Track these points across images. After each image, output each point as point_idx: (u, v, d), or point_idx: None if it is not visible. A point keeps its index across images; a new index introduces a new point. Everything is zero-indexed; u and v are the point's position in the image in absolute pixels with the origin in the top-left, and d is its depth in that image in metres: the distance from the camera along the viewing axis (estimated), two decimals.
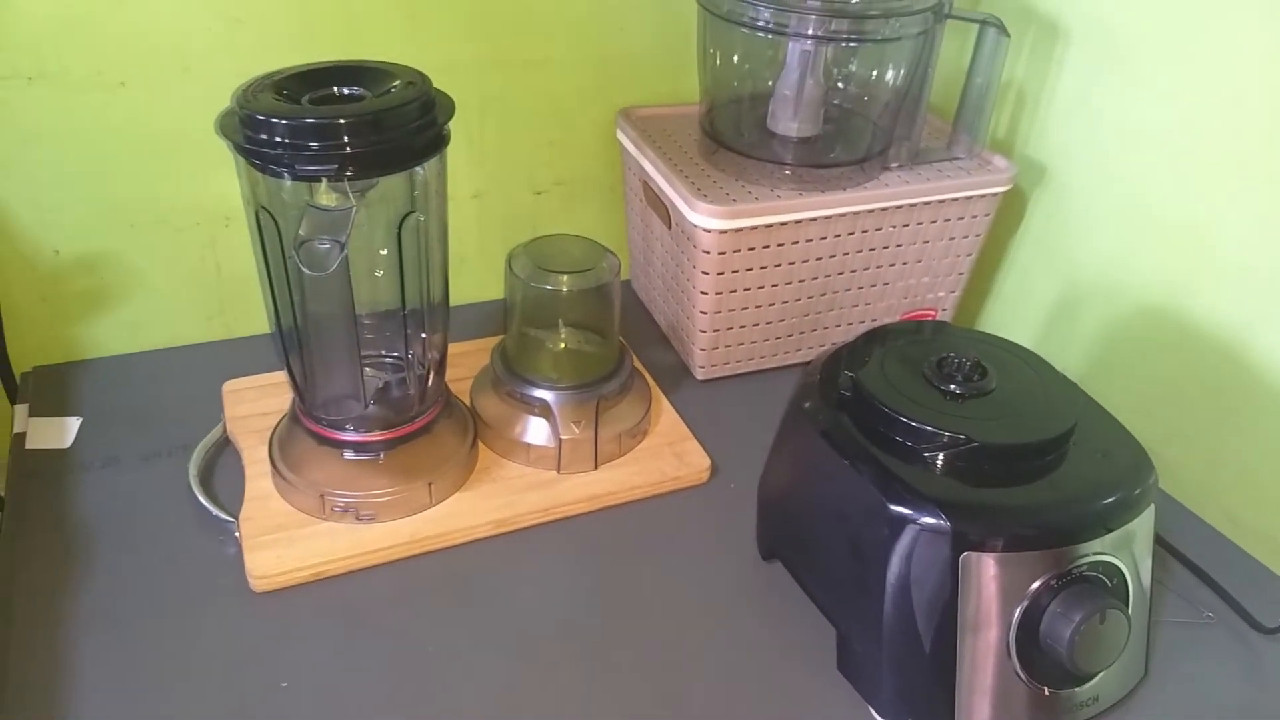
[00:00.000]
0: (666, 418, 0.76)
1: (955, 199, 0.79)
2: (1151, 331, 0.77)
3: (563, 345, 0.73)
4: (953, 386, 0.57)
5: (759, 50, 0.79)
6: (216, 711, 0.54)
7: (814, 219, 0.75)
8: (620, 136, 0.86)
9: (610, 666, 0.58)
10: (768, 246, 0.75)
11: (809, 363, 0.64)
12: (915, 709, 0.55)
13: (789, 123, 0.78)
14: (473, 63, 0.80)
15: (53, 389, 0.76)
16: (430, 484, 0.66)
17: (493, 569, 0.64)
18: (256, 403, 0.73)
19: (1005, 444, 0.54)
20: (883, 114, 0.80)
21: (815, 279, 0.79)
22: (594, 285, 0.70)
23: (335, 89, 0.58)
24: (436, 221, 0.62)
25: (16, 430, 0.72)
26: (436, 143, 0.58)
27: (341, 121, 0.53)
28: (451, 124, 0.58)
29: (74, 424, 0.72)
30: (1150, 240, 0.77)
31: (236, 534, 0.63)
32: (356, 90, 0.58)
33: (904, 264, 0.82)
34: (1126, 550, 0.54)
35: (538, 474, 0.70)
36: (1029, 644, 0.52)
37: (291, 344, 0.62)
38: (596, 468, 0.71)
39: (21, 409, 0.74)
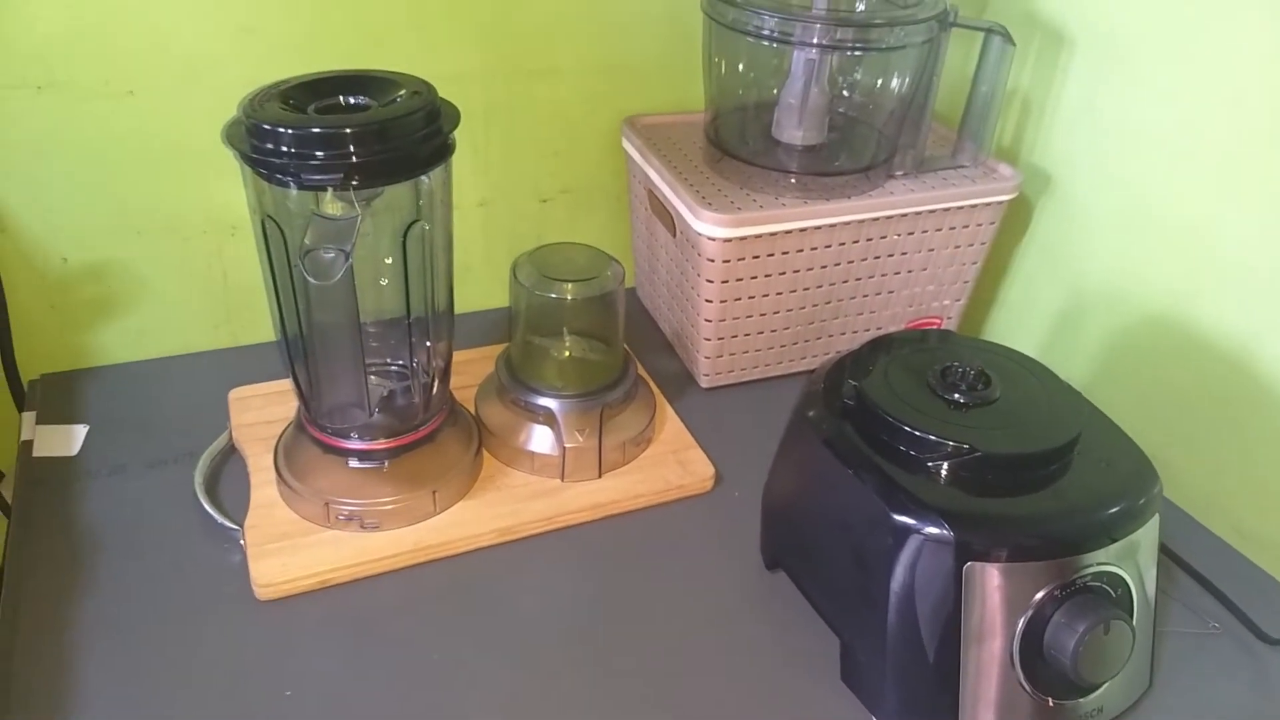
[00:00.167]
0: (671, 426, 0.76)
1: (960, 207, 0.79)
2: (1157, 340, 0.77)
3: (567, 353, 0.73)
4: (957, 396, 0.57)
5: (764, 59, 0.79)
6: (220, 719, 0.54)
7: (819, 227, 0.75)
8: (625, 145, 0.86)
9: (614, 675, 0.58)
10: (772, 255, 0.75)
11: (813, 371, 0.64)
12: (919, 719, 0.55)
13: (794, 131, 0.79)
14: (479, 72, 0.81)
15: (60, 396, 0.76)
16: (434, 492, 0.66)
17: (497, 577, 0.64)
18: (262, 410, 0.73)
19: (1009, 453, 0.54)
20: (888, 122, 0.80)
21: (820, 287, 0.79)
22: (598, 294, 0.70)
23: (341, 98, 0.58)
24: (441, 230, 0.62)
25: (24, 438, 0.72)
26: (442, 152, 0.58)
27: (347, 131, 0.53)
28: (457, 133, 0.59)
29: (81, 431, 0.73)
30: (1155, 248, 0.76)
31: (241, 542, 0.63)
32: (362, 100, 0.58)
33: (909, 272, 0.82)
34: (1131, 560, 0.54)
35: (542, 482, 0.70)
36: (1033, 654, 0.52)
37: (297, 352, 0.62)
38: (600, 476, 0.71)
39: (29, 416, 0.74)
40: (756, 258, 0.75)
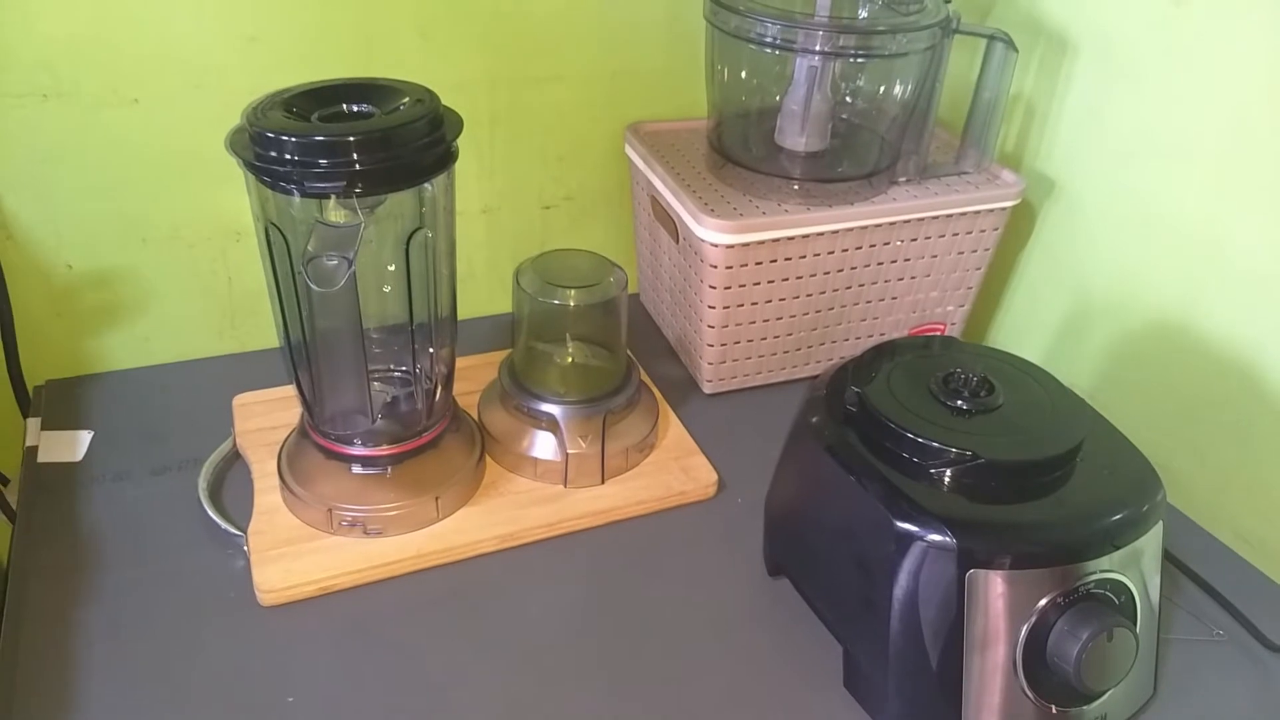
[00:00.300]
0: (674, 432, 0.76)
1: (963, 213, 0.79)
2: (1161, 346, 0.77)
3: (570, 360, 0.73)
4: (960, 402, 0.57)
5: (766, 66, 0.79)
6: None
7: (821, 233, 0.75)
8: (629, 151, 0.86)
9: (616, 681, 0.58)
10: (775, 261, 0.75)
11: (816, 377, 0.64)
12: None
13: (796, 137, 0.79)
14: (483, 79, 0.81)
15: (65, 403, 0.77)
16: (437, 498, 0.66)
17: (499, 583, 0.64)
18: (266, 417, 0.73)
19: (1012, 460, 0.54)
20: (890, 128, 0.80)
21: (823, 293, 0.79)
22: (601, 300, 0.70)
23: (344, 106, 0.58)
24: (444, 237, 0.63)
25: (29, 444, 0.72)
26: (444, 159, 0.58)
27: (350, 139, 0.54)
28: (461, 139, 0.59)
29: (85, 437, 0.73)
30: (1160, 254, 0.76)
31: (245, 547, 0.63)
32: (365, 108, 0.58)
33: (912, 278, 0.82)
34: (1134, 567, 0.54)
35: (544, 488, 0.70)
36: (1036, 662, 0.52)
37: (300, 358, 0.63)
38: (603, 482, 0.71)
39: (34, 422, 0.74)
40: (759, 264, 0.75)
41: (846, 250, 0.77)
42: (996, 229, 0.82)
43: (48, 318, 0.78)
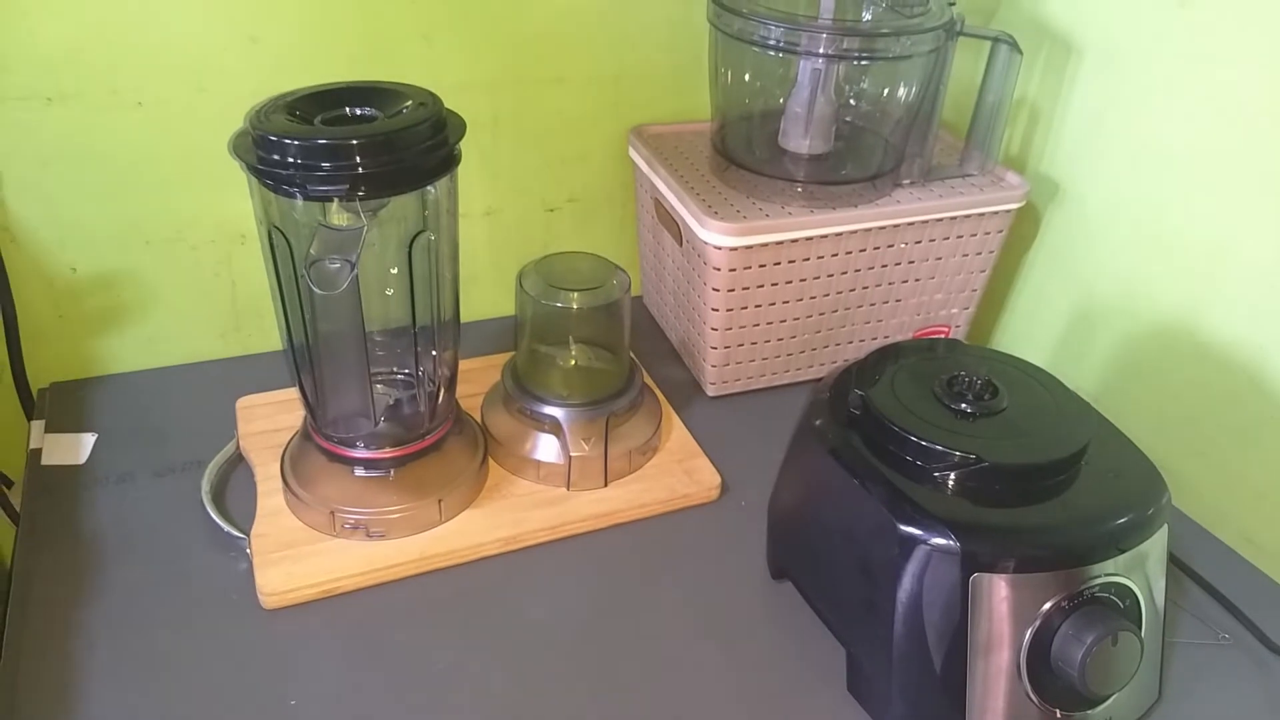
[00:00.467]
0: (677, 434, 0.76)
1: (968, 216, 0.79)
2: (1166, 349, 0.77)
3: (573, 362, 0.73)
4: (964, 405, 0.57)
5: (770, 68, 0.79)
6: None
7: (825, 236, 0.75)
8: (632, 154, 0.86)
9: (618, 684, 0.58)
10: (779, 263, 0.75)
11: (820, 380, 0.63)
12: None
13: (800, 140, 0.78)
14: (486, 82, 0.81)
15: (69, 405, 0.77)
16: (440, 501, 0.66)
17: (502, 586, 0.64)
18: (270, 419, 0.73)
19: (1016, 464, 0.53)
20: (895, 131, 0.80)
21: (827, 296, 0.79)
22: (604, 303, 0.70)
23: (347, 109, 0.58)
24: (447, 240, 0.63)
25: (33, 446, 0.72)
26: (447, 162, 0.58)
27: (353, 142, 0.54)
28: (464, 142, 0.59)
29: (89, 440, 0.73)
30: (1165, 256, 0.76)
31: (248, 550, 0.63)
32: (368, 111, 0.58)
33: (916, 281, 0.82)
34: (1139, 571, 0.53)
35: (547, 491, 0.70)
36: (1040, 666, 0.51)
37: (303, 361, 0.63)
38: (606, 485, 0.71)
39: (38, 425, 0.74)
40: (763, 266, 0.75)
41: (850, 253, 0.77)
42: (1001, 231, 0.82)
43: (51, 320, 0.78)
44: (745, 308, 0.77)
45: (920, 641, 0.52)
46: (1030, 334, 0.91)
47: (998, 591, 0.51)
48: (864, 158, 0.81)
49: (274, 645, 0.59)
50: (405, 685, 0.57)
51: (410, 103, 0.58)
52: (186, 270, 0.80)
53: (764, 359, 0.81)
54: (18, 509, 0.69)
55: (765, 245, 0.74)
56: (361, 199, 0.55)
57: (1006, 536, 0.52)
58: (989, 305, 0.93)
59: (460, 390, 0.71)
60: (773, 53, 0.75)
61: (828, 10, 0.76)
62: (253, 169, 0.55)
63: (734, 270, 0.74)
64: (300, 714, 0.55)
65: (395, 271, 0.62)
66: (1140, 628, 0.53)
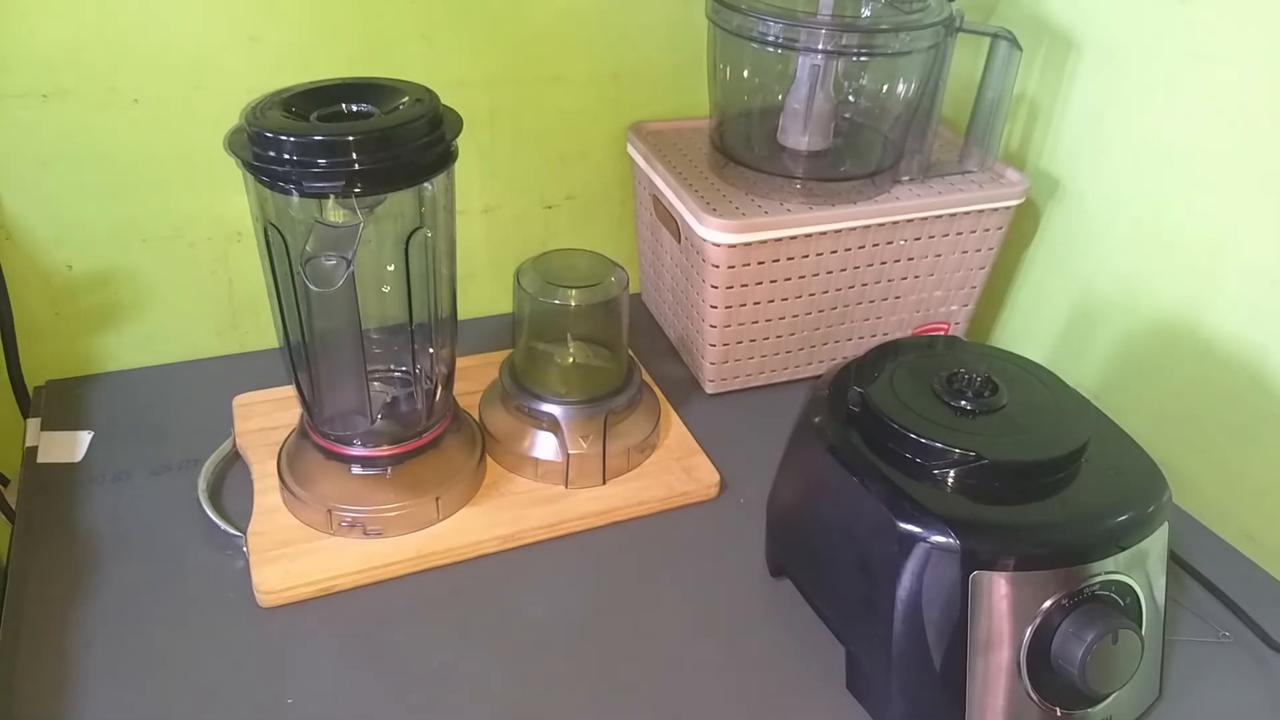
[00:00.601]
0: (675, 432, 0.76)
1: (967, 212, 0.79)
2: (1166, 346, 0.77)
3: (571, 360, 0.73)
4: (963, 402, 0.56)
5: (769, 65, 0.79)
6: None
7: (824, 233, 0.75)
8: (631, 151, 0.86)
9: (617, 683, 0.58)
10: (778, 260, 0.75)
11: (819, 377, 0.63)
12: None
13: (799, 136, 0.78)
14: (485, 79, 0.81)
15: (65, 403, 0.76)
16: (437, 499, 0.65)
17: (500, 584, 0.64)
18: (266, 417, 0.73)
19: (1016, 461, 0.53)
20: (894, 127, 0.80)
21: (826, 293, 0.79)
22: (602, 300, 0.70)
23: (343, 106, 0.58)
24: (444, 237, 0.62)
25: (29, 444, 0.72)
26: (444, 159, 0.58)
27: (349, 138, 0.53)
28: (462, 139, 0.58)
29: (85, 438, 0.73)
30: (1165, 253, 0.76)
31: (244, 548, 0.63)
32: (364, 107, 0.58)
33: (916, 278, 0.82)
34: (1140, 569, 0.53)
35: (545, 489, 0.70)
36: (1040, 664, 0.51)
37: (299, 359, 0.62)
38: (604, 483, 0.70)
39: (34, 423, 0.74)
40: (762, 263, 0.75)
41: (849, 250, 0.77)
42: (1000, 228, 0.81)
43: (48, 318, 0.78)
44: (744, 305, 0.77)
45: (920, 639, 0.52)
46: (1030, 331, 0.91)
47: (997, 589, 0.50)
48: (863, 154, 0.81)
49: (271, 643, 0.59)
50: (403, 683, 0.57)
51: (406, 99, 0.57)
52: (183, 268, 0.79)
53: (763, 356, 0.81)
54: (13, 507, 0.68)
55: (764, 242, 0.73)
56: (358, 195, 0.54)
57: (1006, 534, 0.52)
58: (988, 302, 0.93)
59: (458, 388, 0.71)
60: (771, 49, 0.75)
61: (827, 6, 0.76)
62: (248, 165, 0.54)
63: (733, 267, 0.74)
64: (297, 712, 0.55)
65: (392, 269, 0.61)
66: (1141, 626, 0.53)
